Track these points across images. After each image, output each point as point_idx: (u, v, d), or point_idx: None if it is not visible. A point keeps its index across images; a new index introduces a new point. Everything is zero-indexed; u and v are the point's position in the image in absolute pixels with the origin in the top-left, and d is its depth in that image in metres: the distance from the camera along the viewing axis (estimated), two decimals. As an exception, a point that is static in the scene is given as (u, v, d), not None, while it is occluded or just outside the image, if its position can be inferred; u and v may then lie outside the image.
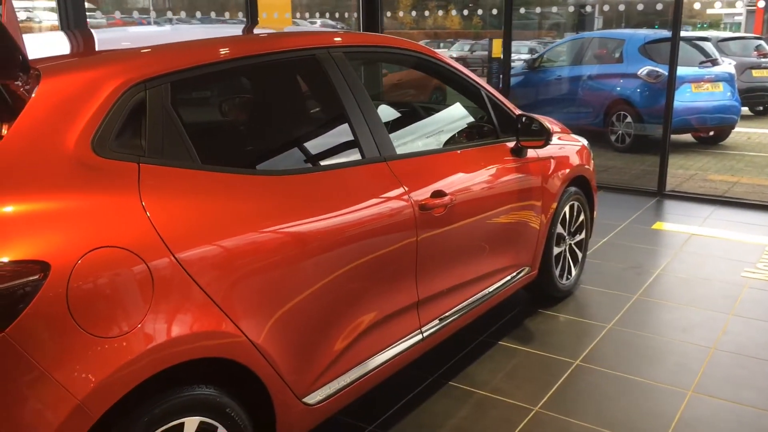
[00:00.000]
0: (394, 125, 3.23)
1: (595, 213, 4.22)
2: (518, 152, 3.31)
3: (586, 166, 3.99)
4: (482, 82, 3.27)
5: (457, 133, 3.27)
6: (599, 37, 10.86)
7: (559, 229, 3.78)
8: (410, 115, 3.45)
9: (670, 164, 8.11)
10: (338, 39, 2.54)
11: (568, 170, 3.72)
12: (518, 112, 3.44)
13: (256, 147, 2.30)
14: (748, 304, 3.86)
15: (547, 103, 10.87)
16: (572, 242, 3.99)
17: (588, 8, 12.28)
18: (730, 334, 3.49)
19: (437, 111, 3.52)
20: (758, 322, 3.62)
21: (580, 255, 4.08)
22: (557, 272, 3.84)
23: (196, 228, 1.84)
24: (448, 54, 27.81)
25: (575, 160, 3.85)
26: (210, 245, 1.85)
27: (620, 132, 9.17)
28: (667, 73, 8.96)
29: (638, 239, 5.02)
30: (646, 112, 9.06)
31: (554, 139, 3.77)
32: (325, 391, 2.29)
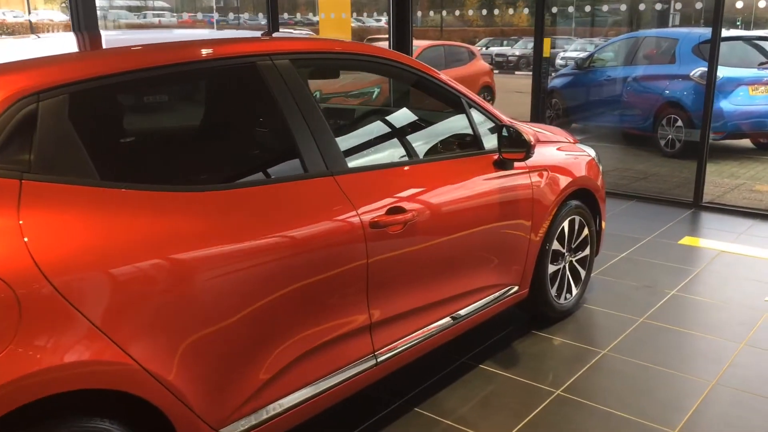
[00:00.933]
0: (370, 135, 3.09)
1: (602, 228, 3.94)
2: (502, 165, 3.10)
3: (591, 178, 3.73)
4: (463, 89, 3.07)
5: (435, 143, 3.08)
6: (651, 36, 10.34)
7: (556, 245, 3.54)
8: (395, 123, 3.28)
9: (719, 172, 7.66)
10: (283, 45, 2.41)
11: (566, 183, 3.48)
12: (507, 121, 3.23)
13: (172, 161, 2.19)
14: (765, 333, 3.52)
15: (595, 105, 10.47)
16: (573, 259, 3.74)
17: (659, 5, 11.70)
18: (737, 366, 3.18)
19: (426, 119, 3.33)
20: (772, 355, 3.29)
21: (583, 273, 3.82)
22: (553, 291, 3.60)
23: (85, 250, 1.74)
24: (511, 52, 27.10)
25: (577, 171, 3.60)
26: (100, 269, 1.75)
27: (670, 137, 8.71)
28: (722, 75, 8.55)
29: (660, 255, 4.69)
30: (698, 116, 8.54)
31: (552, 150, 3.55)
32: (250, 421, 2.16)
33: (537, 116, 6.81)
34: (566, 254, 3.67)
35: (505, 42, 27.68)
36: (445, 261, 2.84)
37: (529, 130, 3.47)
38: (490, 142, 3.10)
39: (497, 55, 26.24)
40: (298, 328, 2.27)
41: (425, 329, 2.80)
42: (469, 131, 3.07)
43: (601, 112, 10.38)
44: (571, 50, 17.72)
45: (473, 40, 29.15)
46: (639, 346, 3.40)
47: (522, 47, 26.07)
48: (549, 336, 3.54)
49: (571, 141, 3.86)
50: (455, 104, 3.06)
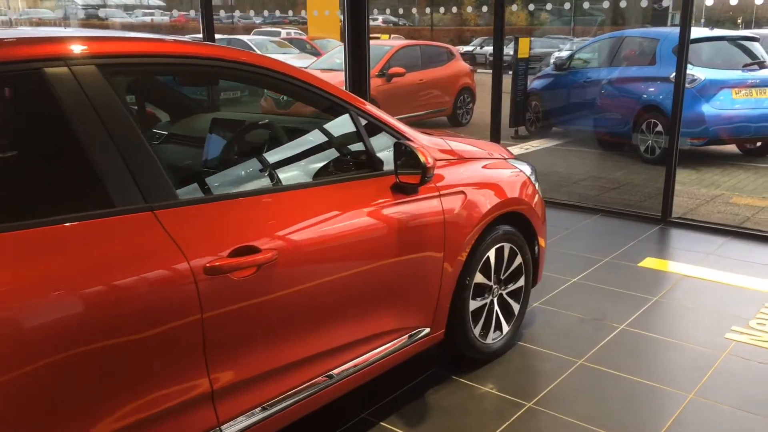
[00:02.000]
0: (231, 155, 2.62)
1: (541, 255, 3.47)
2: (402, 188, 2.62)
3: (524, 200, 3.25)
4: (352, 97, 2.59)
5: (317, 165, 2.60)
6: (632, 36, 9.86)
7: (480, 278, 3.07)
8: (269, 140, 2.79)
9: (698, 180, 7.19)
10: (89, 48, 1.93)
11: (490, 206, 3.01)
12: (424, 141, 2.77)
13: None
14: (721, 379, 3.04)
15: (574, 108, 10.02)
16: (504, 292, 3.27)
17: (661, 3, 11.20)
18: (681, 424, 2.71)
19: (309, 135, 2.84)
20: (723, 409, 2.81)
21: (516, 307, 3.35)
22: (478, 330, 3.13)
23: None
24: (506, 51, 26.71)
25: (506, 192, 3.13)
26: None
27: (650, 142, 8.23)
28: (704, 77, 8.08)
29: (616, 280, 4.21)
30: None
31: (475, 169, 3.08)
32: None
33: (496, 121, 6.33)
34: (494, 287, 3.19)
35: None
36: (322, 308, 2.36)
37: (445, 146, 3.00)
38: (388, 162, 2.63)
39: (491, 54, 25.78)
40: (103, 402, 1.80)
41: (294, 391, 2.32)
42: (362, 149, 2.60)
43: (581, 115, 9.92)
44: (566, 50, 17.23)
45: (470, 39, 28.64)
46: (571, 396, 2.92)
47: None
48: (470, 383, 3.06)
49: (504, 157, 3.38)
50: (341, 116, 2.58)
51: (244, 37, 17.61)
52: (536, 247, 3.43)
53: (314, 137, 2.75)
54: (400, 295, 2.68)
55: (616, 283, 4.16)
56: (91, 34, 2.04)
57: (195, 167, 2.56)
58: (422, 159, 2.45)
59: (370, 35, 6.92)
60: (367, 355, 2.58)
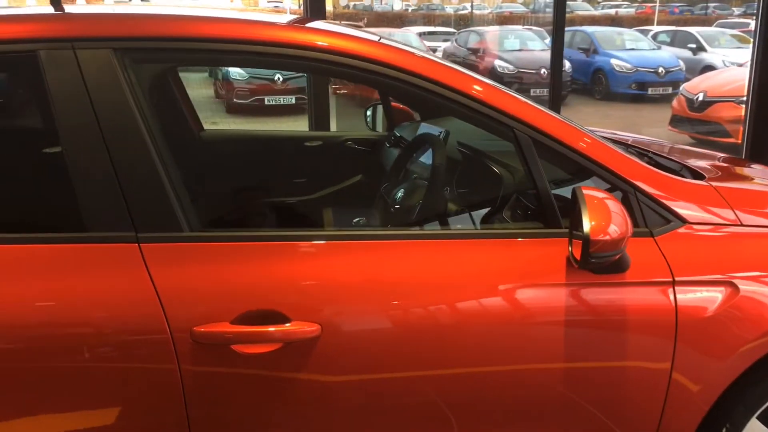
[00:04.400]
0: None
1: None
2: (588, 261, 1.60)
3: None
4: (530, 109, 1.63)
5: (454, 208, 1.75)
6: None
7: (759, 427, 1.80)
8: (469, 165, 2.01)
9: None
10: (106, 26, 1.52)
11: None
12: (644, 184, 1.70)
13: None
14: None
15: None
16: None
17: None
18: None
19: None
20: None
21: None
22: None
23: None
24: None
25: None
26: None
27: None
28: None
29: None
30: None
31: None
32: None
33: None
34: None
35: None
36: (390, 416, 1.59)
37: (720, 203, 1.81)
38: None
39: None
40: None
41: None
42: (533, 191, 1.67)
43: None
44: None
45: None
46: None
47: None
48: None
49: None
50: (508, 140, 1.67)
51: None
52: None
53: (460, 166, 1.89)
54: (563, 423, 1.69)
55: None
56: (133, 11, 1.64)
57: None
58: (586, 224, 1.43)
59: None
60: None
